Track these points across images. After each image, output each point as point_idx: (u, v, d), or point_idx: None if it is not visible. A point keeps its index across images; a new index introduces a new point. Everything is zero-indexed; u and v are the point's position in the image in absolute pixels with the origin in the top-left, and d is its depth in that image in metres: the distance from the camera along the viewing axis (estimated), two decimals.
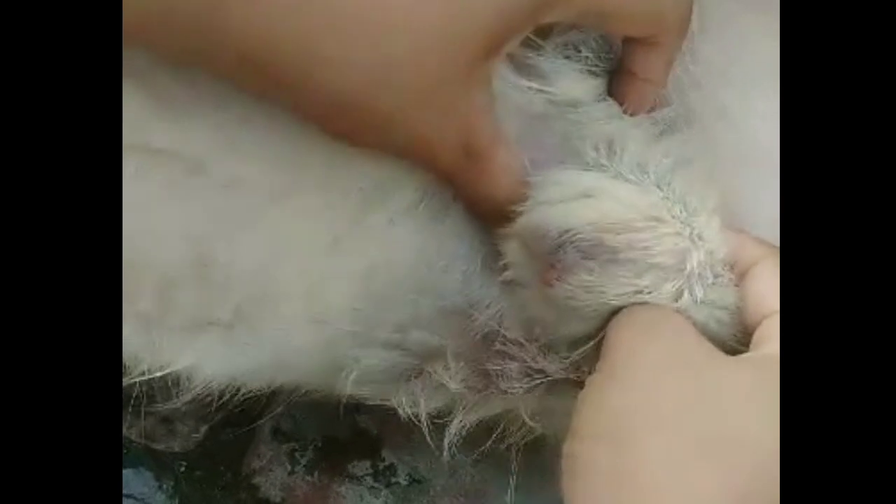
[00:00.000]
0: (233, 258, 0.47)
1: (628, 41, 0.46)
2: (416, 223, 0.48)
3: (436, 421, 0.54)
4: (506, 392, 0.51)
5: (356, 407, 0.67)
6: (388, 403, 0.54)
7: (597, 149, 0.46)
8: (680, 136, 0.47)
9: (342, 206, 0.47)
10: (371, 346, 0.50)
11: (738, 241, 0.46)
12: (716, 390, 0.40)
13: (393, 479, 0.66)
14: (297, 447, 0.67)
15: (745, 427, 0.39)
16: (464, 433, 0.53)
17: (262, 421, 0.67)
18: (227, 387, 0.53)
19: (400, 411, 0.53)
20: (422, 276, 0.49)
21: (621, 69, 0.47)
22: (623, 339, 0.43)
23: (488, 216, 0.46)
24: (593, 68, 0.47)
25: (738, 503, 0.38)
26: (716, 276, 0.45)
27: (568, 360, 0.48)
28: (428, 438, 0.55)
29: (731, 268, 0.46)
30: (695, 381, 0.41)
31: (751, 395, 0.40)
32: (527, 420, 0.53)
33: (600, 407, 0.41)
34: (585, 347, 0.47)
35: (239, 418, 0.67)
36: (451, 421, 0.53)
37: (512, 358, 0.50)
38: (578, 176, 0.45)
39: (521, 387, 0.50)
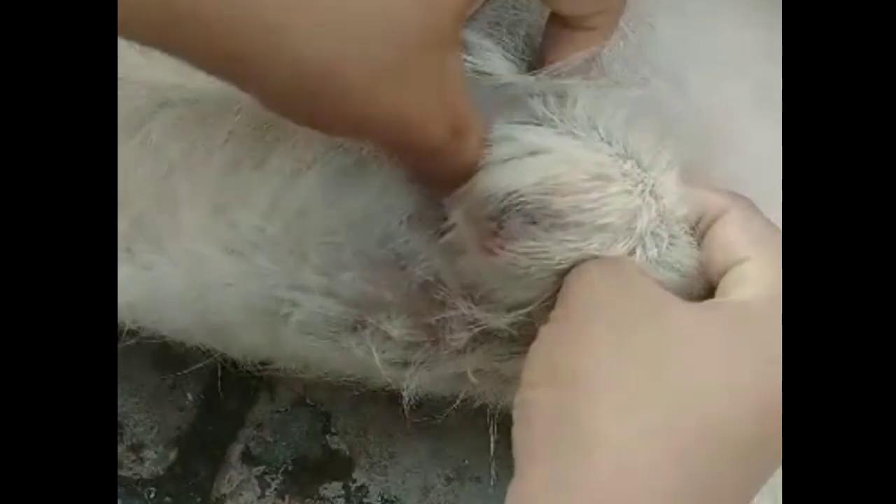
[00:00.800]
0: (126, 168, 0.48)
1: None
2: (327, 172, 0.48)
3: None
4: (450, 345, 0.50)
5: (327, 427, 0.67)
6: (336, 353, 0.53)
7: (546, 103, 0.45)
8: (633, 93, 0.47)
9: (248, 133, 0.47)
10: (301, 289, 0.50)
11: (700, 195, 0.45)
12: (674, 336, 0.40)
13: (365, 500, 0.65)
14: (267, 470, 0.66)
15: (700, 376, 0.39)
16: (420, 393, 0.53)
17: (231, 444, 0.67)
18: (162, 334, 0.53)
19: (357, 351, 0.52)
20: (337, 222, 0.49)
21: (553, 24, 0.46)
22: (577, 288, 0.43)
23: (449, 186, 0.45)
24: (511, 55, 0.48)
25: (679, 455, 0.37)
26: (672, 237, 0.44)
27: (511, 317, 0.48)
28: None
29: (693, 226, 0.45)
30: (651, 326, 0.40)
31: (717, 341, 0.40)
32: (470, 377, 0.52)
33: (550, 353, 0.41)
34: (530, 307, 0.46)
35: (208, 442, 0.67)
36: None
37: (453, 308, 0.49)
38: (525, 132, 0.45)
39: (463, 338, 0.50)
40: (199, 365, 0.62)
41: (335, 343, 0.53)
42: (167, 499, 0.65)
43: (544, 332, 0.42)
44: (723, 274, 0.43)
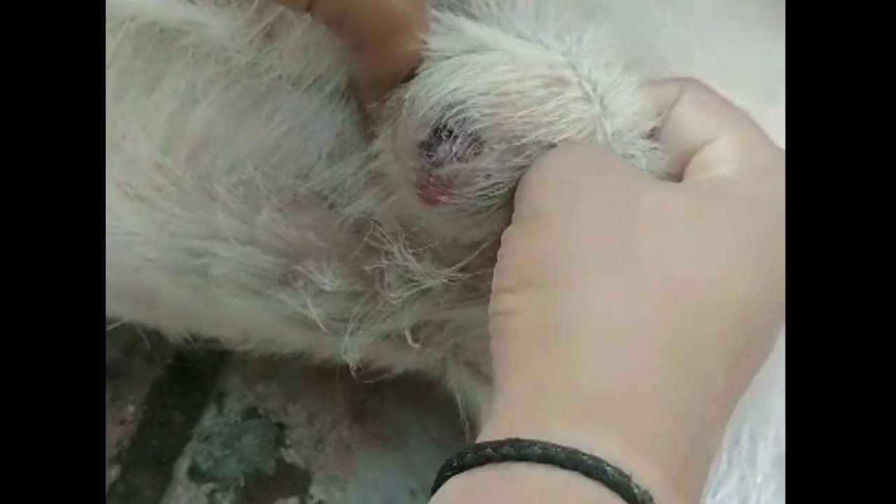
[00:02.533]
0: None
1: None
2: (229, 96, 0.43)
3: None
4: (388, 301, 0.46)
5: (281, 440, 0.62)
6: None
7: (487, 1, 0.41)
8: None
9: (135, 52, 0.43)
10: (216, 237, 0.46)
11: (650, 89, 0.42)
12: (652, 218, 0.37)
13: None
14: (217, 487, 0.61)
15: (685, 259, 0.36)
16: (365, 346, 0.49)
17: (178, 459, 0.62)
18: None
19: (292, 307, 0.48)
20: (245, 155, 0.44)
21: None
22: (540, 182, 0.39)
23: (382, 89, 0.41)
24: None
25: (668, 347, 0.34)
26: (633, 144, 0.41)
27: (454, 270, 0.44)
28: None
29: (653, 131, 0.41)
30: (628, 210, 0.37)
31: (697, 220, 0.37)
32: (408, 337, 0.48)
33: (523, 255, 0.37)
34: (480, 250, 0.42)
35: (153, 458, 0.62)
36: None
37: (388, 257, 0.45)
38: (464, 25, 0.40)
39: (400, 296, 0.45)
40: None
41: (266, 300, 0.49)
42: None
43: (510, 233, 0.39)
44: (688, 160, 0.40)
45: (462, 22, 0.41)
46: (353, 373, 0.48)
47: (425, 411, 0.63)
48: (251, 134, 0.44)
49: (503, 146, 0.39)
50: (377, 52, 0.39)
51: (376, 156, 0.43)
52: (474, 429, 0.57)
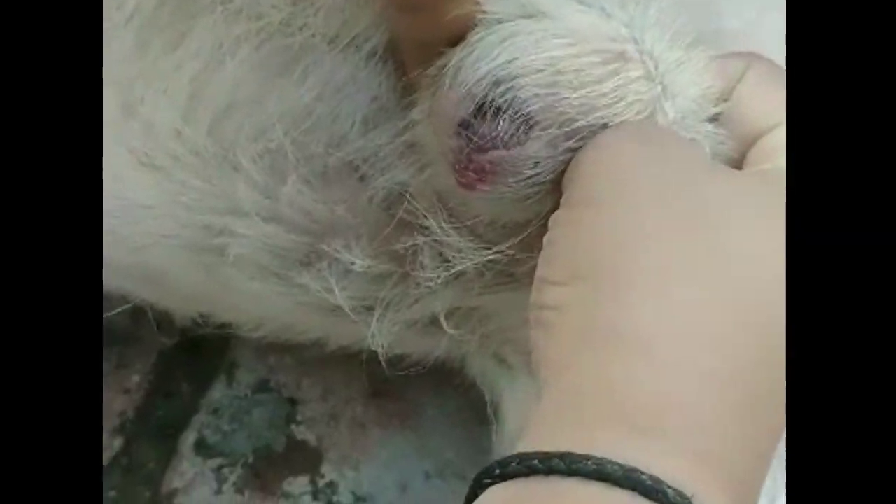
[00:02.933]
0: None
1: None
2: (258, 57, 0.40)
3: None
4: (421, 283, 0.43)
5: (292, 416, 0.60)
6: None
7: None
8: None
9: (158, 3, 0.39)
10: (237, 212, 0.42)
11: (715, 65, 0.38)
12: (723, 213, 0.33)
13: (334, 498, 0.57)
14: (224, 463, 0.58)
15: (761, 263, 0.32)
16: (392, 334, 0.46)
17: (184, 432, 0.59)
18: None
19: (315, 290, 0.44)
20: (273, 121, 0.40)
21: None
22: (595, 163, 0.35)
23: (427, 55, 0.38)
24: None
25: (749, 360, 0.31)
26: (701, 133, 0.37)
27: (497, 252, 0.40)
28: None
29: (716, 103, 0.38)
30: (696, 198, 0.33)
31: (762, 211, 0.33)
32: (442, 322, 0.45)
33: (573, 244, 0.34)
34: (524, 235, 0.39)
35: (158, 430, 0.59)
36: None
37: (424, 232, 0.41)
38: None
39: (436, 277, 0.42)
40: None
41: (286, 283, 0.46)
42: (111, 493, 0.57)
43: (559, 219, 0.35)
44: (753, 142, 0.37)
45: None
46: (382, 361, 0.45)
47: (443, 391, 0.60)
48: (280, 97, 0.41)
49: (554, 130, 0.35)
50: (428, 11, 0.36)
51: (413, 126, 0.40)
52: (498, 417, 0.54)
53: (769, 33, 0.41)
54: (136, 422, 0.59)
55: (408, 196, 0.41)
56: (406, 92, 0.40)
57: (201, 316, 0.54)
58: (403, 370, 0.51)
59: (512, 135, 0.35)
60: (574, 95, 0.35)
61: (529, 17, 0.36)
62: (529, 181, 0.37)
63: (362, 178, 0.42)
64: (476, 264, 0.41)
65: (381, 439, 0.59)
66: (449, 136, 0.37)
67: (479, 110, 0.36)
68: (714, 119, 0.38)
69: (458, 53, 0.36)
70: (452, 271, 0.41)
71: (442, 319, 0.46)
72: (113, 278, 0.47)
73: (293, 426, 0.59)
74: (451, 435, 0.59)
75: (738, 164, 0.38)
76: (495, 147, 0.36)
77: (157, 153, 0.42)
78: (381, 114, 0.41)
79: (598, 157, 0.35)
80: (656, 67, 0.36)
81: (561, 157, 0.36)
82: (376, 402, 0.60)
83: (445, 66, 0.37)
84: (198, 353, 0.61)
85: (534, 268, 0.40)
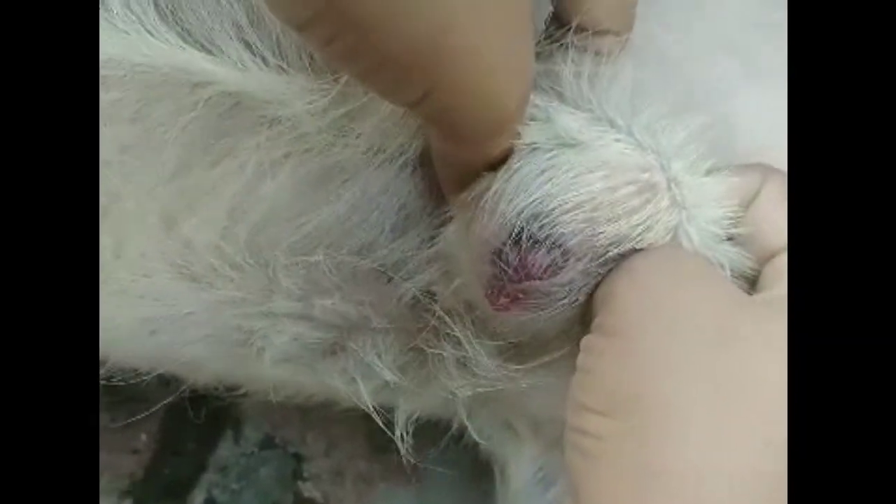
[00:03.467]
0: None
1: None
2: (296, 175, 0.41)
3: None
4: (440, 379, 0.44)
5: (299, 472, 0.61)
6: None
7: (579, 76, 0.38)
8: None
9: (205, 123, 0.39)
10: (272, 316, 0.44)
11: (732, 183, 0.39)
12: (753, 349, 0.35)
13: None
14: None
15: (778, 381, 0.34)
16: (412, 428, 0.48)
17: (193, 491, 0.60)
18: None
19: (340, 388, 0.46)
20: (309, 233, 0.42)
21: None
22: (635, 291, 0.37)
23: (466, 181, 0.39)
24: None
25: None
26: (723, 255, 0.39)
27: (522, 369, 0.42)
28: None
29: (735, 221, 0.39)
30: (728, 338, 0.35)
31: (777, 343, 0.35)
32: (466, 424, 0.46)
33: (615, 374, 0.35)
34: (553, 356, 0.41)
35: (166, 490, 0.60)
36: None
37: (448, 338, 0.43)
38: (555, 113, 0.37)
39: (458, 384, 0.44)
40: (156, 407, 0.55)
41: (311, 371, 0.47)
42: None
43: (596, 346, 0.36)
44: (769, 259, 0.39)
45: (553, 108, 0.38)
46: (402, 450, 0.47)
47: (445, 446, 0.62)
48: (316, 211, 0.41)
49: (587, 261, 0.37)
50: (477, 145, 0.37)
51: (444, 240, 0.41)
52: (503, 477, 0.56)
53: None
54: (145, 483, 0.60)
55: (434, 302, 0.43)
56: (436, 201, 0.41)
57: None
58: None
59: (548, 267, 0.37)
60: (609, 228, 0.36)
61: (566, 146, 0.37)
62: (560, 304, 0.38)
63: (389, 282, 0.43)
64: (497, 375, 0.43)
65: (387, 495, 0.61)
66: (484, 262, 0.38)
67: (516, 241, 0.37)
68: (732, 239, 0.40)
69: (497, 181, 0.37)
70: (476, 389, 0.43)
71: (461, 410, 0.48)
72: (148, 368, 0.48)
73: (300, 483, 0.61)
74: (454, 491, 0.61)
75: (755, 278, 0.39)
76: (530, 277, 0.37)
77: (196, 267, 0.42)
78: (408, 221, 0.42)
79: (633, 284, 0.37)
80: (682, 194, 0.38)
81: (591, 280, 0.37)
82: (380, 455, 0.62)
83: (483, 192, 0.37)
84: (203, 408, 0.62)
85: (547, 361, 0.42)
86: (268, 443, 0.62)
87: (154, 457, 0.61)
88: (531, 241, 0.36)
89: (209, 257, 0.42)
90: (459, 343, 0.43)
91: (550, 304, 0.38)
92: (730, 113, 0.44)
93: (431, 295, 0.43)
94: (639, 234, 0.37)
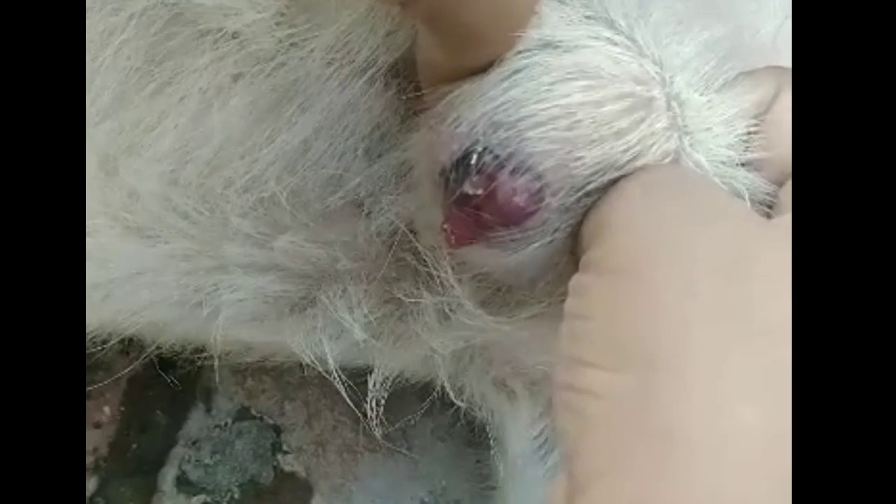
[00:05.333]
0: None
1: None
2: (251, 98, 0.35)
3: None
4: (419, 334, 0.40)
5: (278, 445, 0.56)
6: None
7: None
8: None
9: (140, 43, 0.34)
10: (227, 270, 0.39)
11: (747, 91, 0.34)
12: (768, 272, 0.30)
13: None
14: (208, 500, 0.55)
15: None
16: (386, 391, 0.43)
17: (163, 468, 0.55)
18: None
19: (302, 355, 0.42)
20: (267, 166, 0.36)
21: None
22: (629, 217, 0.31)
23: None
24: None
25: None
26: (736, 181, 0.33)
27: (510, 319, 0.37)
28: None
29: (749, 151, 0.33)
30: (743, 262, 0.30)
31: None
32: (446, 385, 0.42)
33: (616, 320, 0.30)
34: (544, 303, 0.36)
35: (134, 466, 0.55)
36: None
37: (429, 284, 0.38)
38: (543, 9, 0.31)
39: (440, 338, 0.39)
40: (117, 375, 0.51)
41: (278, 329, 0.42)
42: None
43: (588, 287, 0.31)
44: (787, 177, 0.33)
45: (547, 5, 0.32)
46: (373, 416, 0.43)
47: (434, 409, 0.57)
48: (272, 139, 0.36)
49: (563, 195, 0.31)
50: (474, 49, 0.31)
51: (409, 161, 0.36)
52: (499, 442, 0.52)
53: None
54: (111, 459, 0.55)
55: (412, 234, 0.38)
56: (410, 113, 0.36)
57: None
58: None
59: (514, 196, 0.30)
60: (590, 153, 0.30)
61: (547, 47, 0.31)
62: (531, 247, 0.32)
63: (368, 216, 0.38)
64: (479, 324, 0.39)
65: (373, 467, 0.57)
66: (434, 183, 0.32)
67: (466, 156, 0.31)
68: (748, 164, 0.34)
69: (465, 83, 0.31)
70: (459, 342, 0.38)
71: (439, 359, 0.43)
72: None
73: (279, 456, 0.56)
74: (445, 458, 0.57)
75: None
76: (485, 207, 0.31)
77: (142, 219, 0.38)
78: (384, 143, 0.37)
79: (629, 210, 0.31)
80: (683, 115, 0.32)
81: (572, 220, 0.32)
82: (364, 425, 0.57)
83: (449, 95, 0.32)
84: (170, 378, 0.57)
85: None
86: (243, 414, 0.57)
87: (119, 431, 0.56)
88: (489, 157, 0.30)
89: (156, 209, 0.37)
90: (441, 288, 0.38)
91: (518, 245, 0.32)
92: (754, 24, 0.38)
93: (412, 232, 0.38)
94: (627, 162, 0.31)
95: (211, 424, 0.56)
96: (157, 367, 0.56)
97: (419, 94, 0.34)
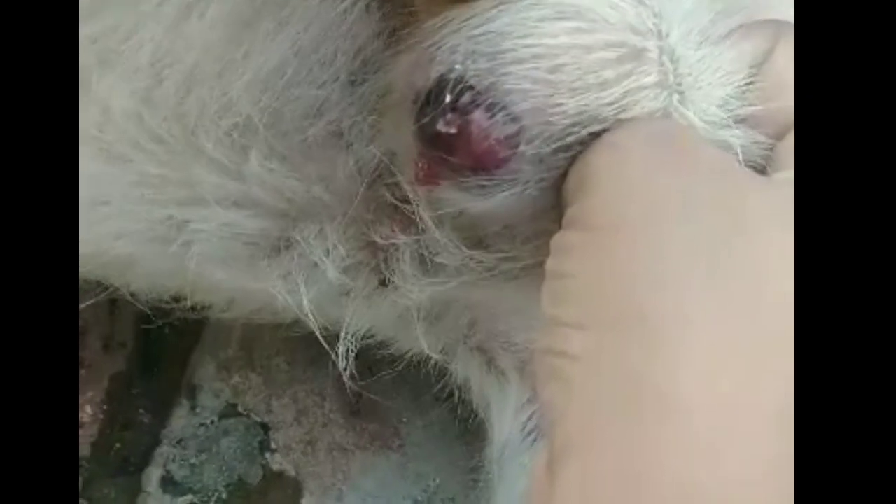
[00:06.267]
0: None
1: None
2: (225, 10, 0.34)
3: None
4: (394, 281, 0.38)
5: (266, 443, 0.55)
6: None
7: None
8: None
9: None
10: (199, 202, 0.37)
11: (742, 42, 0.32)
12: (760, 230, 0.28)
13: None
14: (194, 500, 0.53)
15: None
16: (356, 348, 0.41)
17: (147, 468, 0.54)
18: None
19: (278, 297, 0.40)
20: (244, 85, 0.35)
21: None
22: (614, 170, 0.29)
23: None
24: None
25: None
26: (730, 137, 0.31)
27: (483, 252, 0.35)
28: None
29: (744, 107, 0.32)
30: (733, 221, 0.28)
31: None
32: (414, 317, 0.40)
33: (596, 277, 0.28)
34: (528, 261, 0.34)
35: (117, 466, 0.54)
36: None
37: (407, 224, 0.36)
38: None
39: (415, 287, 0.37)
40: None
41: (252, 272, 0.41)
42: None
43: (569, 243, 0.29)
44: (785, 133, 0.32)
45: None
46: (346, 378, 0.41)
47: (424, 404, 0.56)
48: (248, 57, 0.35)
49: (539, 143, 0.29)
50: None
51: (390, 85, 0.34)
52: (484, 426, 0.50)
53: None
54: (94, 459, 0.54)
55: (393, 170, 0.36)
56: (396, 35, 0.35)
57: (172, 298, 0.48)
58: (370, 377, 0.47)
59: (485, 134, 0.29)
60: (572, 102, 0.29)
61: None
62: (504, 194, 0.30)
63: (349, 147, 0.37)
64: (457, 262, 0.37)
65: (364, 465, 0.55)
66: (406, 111, 0.30)
67: (452, 85, 0.29)
68: (743, 120, 0.32)
69: (455, 8, 0.30)
70: (433, 283, 0.37)
71: (414, 314, 0.42)
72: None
73: (267, 455, 0.55)
74: (437, 454, 0.56)
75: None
76: (457, 144, 0.29)
77: (112, 139, 0.36)
78: (367, 69, 0.35)
79: (615, 162, 0.30)
80: (676, 72, 0.30)
81: (545, 174, 0.30)
82: (355, 421, 0.56)
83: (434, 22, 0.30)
84: (154, 374, 0.55)
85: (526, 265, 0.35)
86: (229, 411, 0.56)
87: (102, 430, 0.54)
88: (466, 90, 0.28)
89: (128, 126, 0.35)
90: (418, 229, 0.37)
91: (486, 192, 0.30)
92: None
93: (393, 164, 0.36)
94: (609, 116, 0.29)
95: (196, 423, 0.55)
96: (137, 367, 0.55)
97: (407, 10, 0.32)
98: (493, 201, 0.30)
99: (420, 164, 0.30)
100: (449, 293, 0.41)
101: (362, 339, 0.43)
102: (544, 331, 0.29)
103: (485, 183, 0.30)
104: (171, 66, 0.35)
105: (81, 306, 0.45)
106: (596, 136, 0.29)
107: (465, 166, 0.29)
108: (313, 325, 0.41)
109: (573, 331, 0.28)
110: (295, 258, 0.39)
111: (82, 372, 0.54)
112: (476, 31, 0.29)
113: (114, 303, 0.50)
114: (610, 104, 0.29)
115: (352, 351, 0.42)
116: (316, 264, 0.39)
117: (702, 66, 0.31)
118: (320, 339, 0.41)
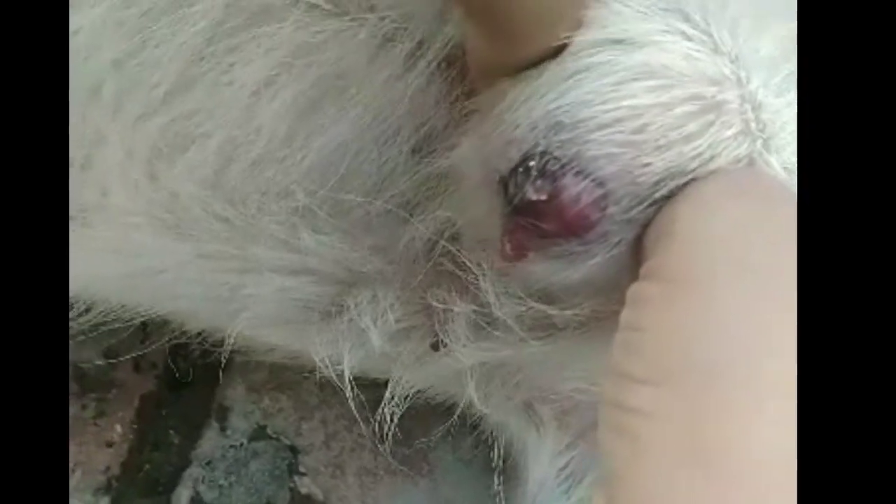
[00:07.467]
0: None
1: None
2: (296, 93, 0.33)
3: None
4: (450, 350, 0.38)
5: (294, 466, 0.55)
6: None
7: None
8: None
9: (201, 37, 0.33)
10: (255, 270, 0.37)
11: None
12: None
13: None
14: None
15: None
16: (402, 407, 0.42)
17: (177, 489, 0.54)
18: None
19: (319, 364, 0.40)
20: (315, 163, 0.35)
21: None
22: (699, 223, 0.29)
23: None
24: None
25: None
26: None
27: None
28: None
29: None
30: None
31: None
32: (468, 380, 0.40)
33: (673, 332, 0.27)
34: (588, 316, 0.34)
35: (147, 487, 0.54)
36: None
37: (464, 293, 0.36)
38: (611, 2, 0.29)
39: (468, 350, 0.37)
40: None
41: (302, 334, 0.41)
42: None
43: (647, 295, 0.29)
44: None
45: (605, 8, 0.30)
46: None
47: (456, 432, 0.55)
48: (313, 139, 0.35)
49: (627, 204, 0.29)
50: (520, 43, 0.29)
51: (457, 169, 0.34)
52: (518, 472, 0.50)
53: None
54: (123, 479, 0.53)
55: (454, 244, 0.36)
56: (461, 110, 0.34)
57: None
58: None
59: (574, 202, 0.28)
60: (658, 160, 0.28)
61: (613, 42, 0.29)
62: (591, 262, 0.30)
63: (409, 222, 0.36)
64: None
65: (392, 489, 0.55)
66: (490, 191, 0.30)
67: (526, 162, 0.29)
68: None
69: (521, 83, 0.29)
70: (488, 356, 0.37)
71: (468, 378, 0.41)
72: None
73: (296, 477, 0.54)
74: (466, 483, 0.55)
75: None
76: (546, 216, 0.29)
77: (179, 220, 0.36)
78: (432, 141, 0.35)
79: (699, 220, 0.29)
80: (758, 119, 0.30)
81: (633, 233, 0.30)
82: (383, 446, 0.56)
83: (500, 98, 0.30)
84: (184, 395, 0.55)
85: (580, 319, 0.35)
86: (259, 433, 0.55)
87: (131, 450, 0.54)
88: (550, 162, 0.28)
89: (194, 208, 0.36)
90: (478, 299, 0.36)
91: (577, 259, 0.30)
92: None
93: (454, 239, 0.36)
94: (695, 169, 0.29)
95: (226, 444, 0.55)
96: (168, 388, 0.55)
97: (471, 89, 0.32)
98: (581, 268, 0.30)
99: (507, 240, 0.30)
100: (496, 359, 0.41)
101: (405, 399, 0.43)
102: (612, 383, 0.29)
103: (576, 250, 0.30)
104: (238, 150, 0.35)
105: (114, 328, 0.45)
106: (681, 187, 0.29)
107: (555, 233, 0.29)
108: (349, 395, 0.42)
109: (645, 387, 0.27)
110: (345, 323, 0.39)
111: (114, 391, 0.55)
112: (552, 106, 0.28)
113: (145, 324, 0.51)
114: (695, 157, 0.29)
115: (396, 415, 0.43)
116: (364, 331, 0.39)
117: (785, 113, 0.30)
118: (354, 412, 0.42)
